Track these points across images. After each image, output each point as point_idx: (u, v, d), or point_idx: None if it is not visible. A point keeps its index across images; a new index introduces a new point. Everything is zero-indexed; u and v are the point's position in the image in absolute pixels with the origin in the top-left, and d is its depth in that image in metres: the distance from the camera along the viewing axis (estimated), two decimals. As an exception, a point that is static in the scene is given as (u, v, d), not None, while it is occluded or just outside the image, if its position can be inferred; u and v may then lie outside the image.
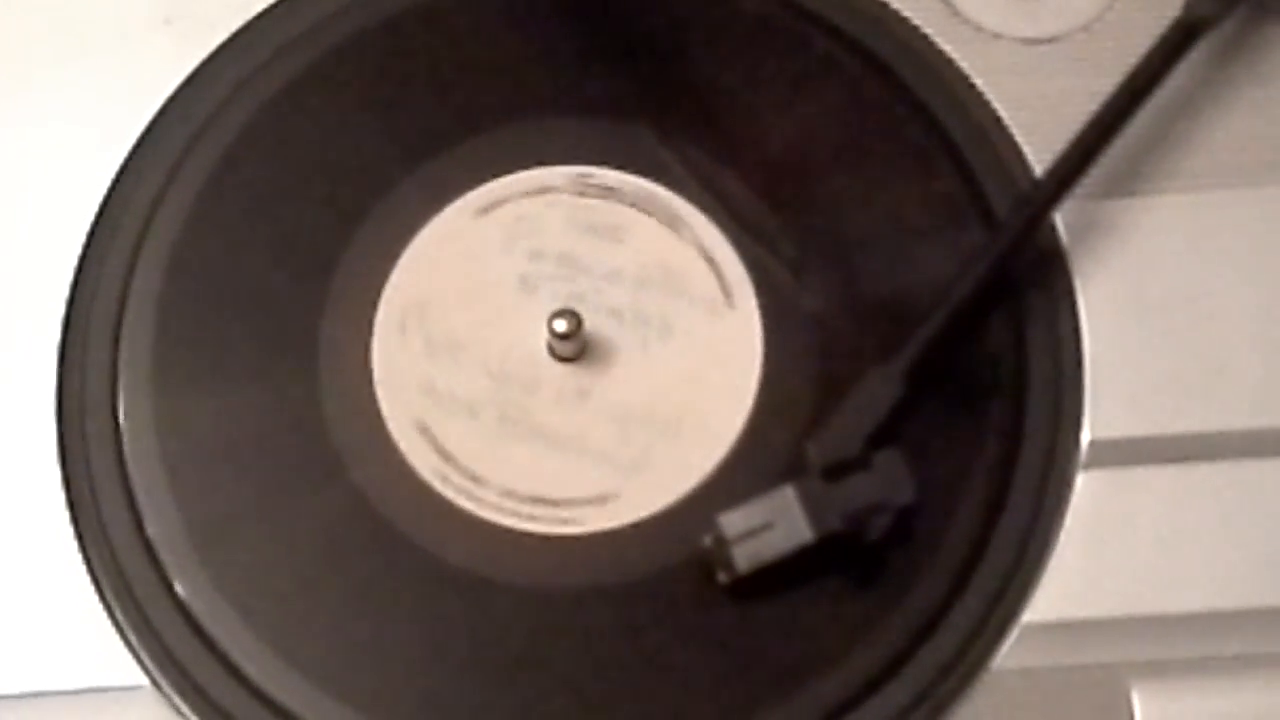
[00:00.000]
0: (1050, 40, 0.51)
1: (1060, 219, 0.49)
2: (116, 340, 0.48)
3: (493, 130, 0.50)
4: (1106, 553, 0.46)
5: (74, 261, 0.49)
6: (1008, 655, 0.45)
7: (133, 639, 0.45)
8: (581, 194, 0.49)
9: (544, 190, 0.50)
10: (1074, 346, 0.48)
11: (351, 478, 0.47)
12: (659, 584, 0.46)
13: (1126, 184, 0.49)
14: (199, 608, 0.45)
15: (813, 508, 0.45)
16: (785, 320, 0.48)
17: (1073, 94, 0.50)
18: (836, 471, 0.45)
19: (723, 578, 0.45)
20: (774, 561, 0.44)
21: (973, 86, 0.50)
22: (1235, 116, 0.50)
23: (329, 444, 0.47)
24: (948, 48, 0.51)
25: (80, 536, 0.46)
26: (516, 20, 0.52)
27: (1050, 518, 0.46)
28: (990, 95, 0.50)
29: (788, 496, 0.45)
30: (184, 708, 0.45)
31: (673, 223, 0.49)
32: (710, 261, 0.49)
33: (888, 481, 0.45)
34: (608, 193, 0.49)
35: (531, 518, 0.46)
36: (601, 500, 0.46)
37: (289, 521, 0.46)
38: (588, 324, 0.47)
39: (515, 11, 0.52)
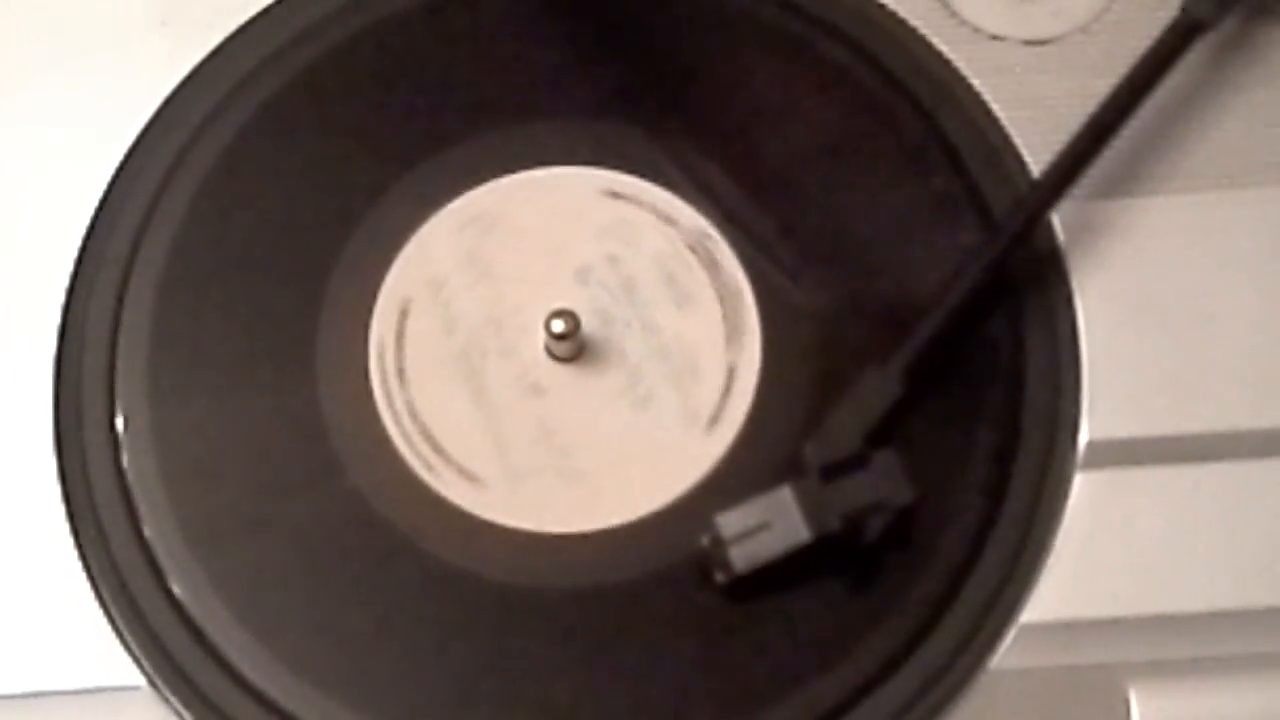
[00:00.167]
0: (1048, 41, 0.51)
1: (1058, 219, 0.49)
2: (113, 343, 0.48)
3: (489, 132, 0.50)
4: (1104, 553, 0.46)
5: (71, 263, 0.49)
6: (1005, 655, 0.45)
7: (130, 639, 0.45)
8: (580, 194, 0.49)
9: (543, 190, 0.50)
10: (1072, 347, 0.48)
11: (349, 479, 0.47)
12: (657, 584, 0.46)
13: (1124, 184, 0.49)
14: (196, 608, 0.45)
15: (810, 508, 0.45)
16: (783, 320, 0.48)
17: (1071, 95, 0.50)
18: (834, 472, 0.45)
19: (720, 578, 0.45)
20: (771, 562, 0.44)
21: (971, 87, 0.51)
22: (1233, 117, 0.50)
23: (326, 445, 0.47)
24: (946, 49, 0.51)
25: (78, 538, 0.46)
26: (514, 21, 0.52)
27: (1048, 518, 0.46)
28: (988, 96, 0.50)
29: (785, 497, 0.45)
30: (181, 708, 0.45)
31: (670, 223, 0.49)
32: (709, 261, 0.49)
33: (885, 482, 0.45)
34: (606, 193, 0.49)
35: (529, 517, 0.46)
36: (600, 500, 0.46)
37: (286, 523, 0.46)
38: (585, 325, 0.47)
39: (514, 13, 0.52)
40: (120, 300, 0.48)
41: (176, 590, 0.46)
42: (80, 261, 0.49)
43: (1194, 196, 0.49)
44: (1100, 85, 0.48)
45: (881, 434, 0.46)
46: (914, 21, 0.51)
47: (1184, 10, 0.49)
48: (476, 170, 0.50)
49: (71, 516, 0.46)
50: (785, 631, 0.45)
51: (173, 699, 0.45)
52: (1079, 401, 0.47)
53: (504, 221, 0.49)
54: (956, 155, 0.50)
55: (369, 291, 0.48)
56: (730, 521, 0.45)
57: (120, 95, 0.50)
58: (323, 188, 0.49)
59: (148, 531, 0.46)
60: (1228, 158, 0.49)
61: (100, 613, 0.46)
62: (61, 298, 0.48)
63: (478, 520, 0.46)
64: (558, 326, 0.46)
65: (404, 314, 0.48)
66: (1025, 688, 0.45)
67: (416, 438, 0.47)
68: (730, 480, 0.46)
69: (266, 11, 0.52)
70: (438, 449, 0.47)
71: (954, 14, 0.51)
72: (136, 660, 0.45)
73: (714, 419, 0.47)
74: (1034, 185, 0.49)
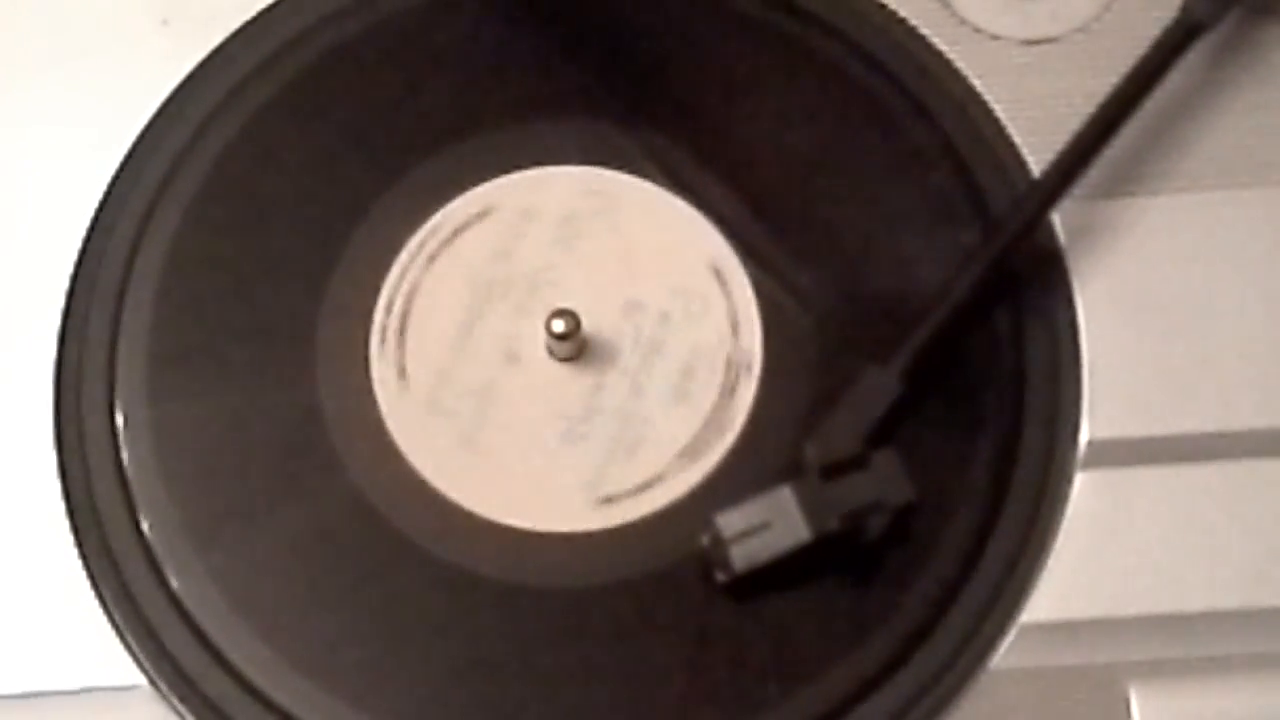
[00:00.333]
0: (1048, 41, 0.51)
1: (1058, 219, 0.49)
2: (114, 340, 0.48)
3: (490, 131, 0.50)
4: (1104, 553, 0.46)
5: (72, 261, 0.49)
6: (1006, 655, 0.45)
7: (130, 639, 0.45)
8: (579, 194, 0.49)
9: (542, 190, 0.50)
10: (1072, 346, 0.48)
11: (350, 476, 0.47)
12: (656, 584, 0.46)
13: (1124, 184, 0.49)
14: (197, 607, 0.45)
15: (810, 507, 0.45)
16: (783, 320, 0.48)
17: (1071, 94, 0.50)
18: (834, 471, 0.45)
19: (720, 577, 0.45)
20: (771, 561, 0.44)
21: (971, 87, 0.51)
22: (1233, 117, 0.50)
23: (327, 443, 0.47)
24: (946, 48, 0.51)
25: (78, 537, 0.46)
26: (515, 22, 0.52)
27: (1048, 518, 0.46)
28: (988, 95, 0.50)
29: (785, 496, 0.45)
30: (181, 707, 0.45)
31: (671, 223, 0.49)
32: (709, 262, 0.49)
33: (885, 481, 0.45)
34: (607, 193, 0.49)
35: (530, 517, 0.46)
36: (600, 500, 0.46)
37: (287, 521, 0.46)
38: (586, 324, 0.47)
39: (514, 13, 0.52)
40: (121, 298, 0.48)
41: (177, 589, 0.46)
42: (81, 259, 0.49)
43: (1194, 196, 0.49)
44: (1100, 85, 0.48)
45: (881, 434, 0.46)
46: (914, 21, 0.51)
47: (1184, 10, 0.49)
48: (478, 169, 0.50)
49: (71, 514, 0.46)
50: (785, 631, 0.45)
51: (173, 698, 0.45)
52: (1079, 401, 0.47)
53: (506, 220, 0.49)
54: (956, 155, 0.50)
55: (370, 288, 0.48)
56: (730, 521, 0.45)
57: (121, 94, 0.50)
58: (324, 185, 0.49)
59: (147, 529, 0.46)
60: (1228, 157, 0.49)
61: (100, 612, 0.46)
62: (62, 296, 0.48)
63: (478, 519, 0.46)
64: (558, 326, 0.47)
65: (405, 312, 0.48)
66: (1025, 687, 0.45)
67: (417, 435, 0.47)
68: (730, 479, 0.46)
69: (267, 11, 0.52)
70: (438, 447, 0.47)
71: (954, 13, 0.51)
72: (136, 659, 0.45)
73: (715, 419, 0.47)
74: (1034, 185, 0.49)
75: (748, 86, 0.51)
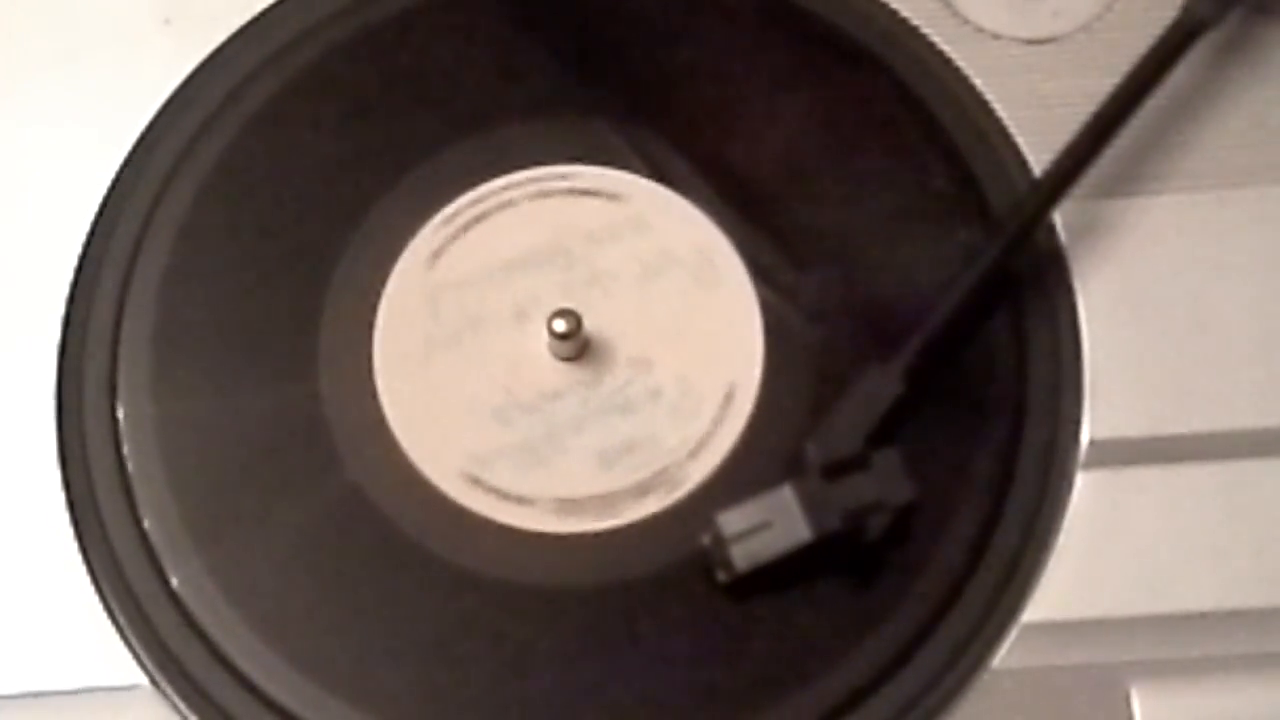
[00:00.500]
0: (1049, 40, 0.51)
1: (1059, 219, 0.49)
2: (116, 339, 0.48)
3: (490, 131, 0.50)
4: (1106, 553, 0.46)
5: (74, 260, 0.49)
6: (1007, 655, 0.45)
7: (132, 638, 0.45)
8: (580, 194, 0.49)
9: (543, 190, 0.50)
10: (1073, 346, 0.48)
11: (350, 475, 0.47)
12: (658, 583, 0.46)
13: (1125, 184, 0.49)
14: (198, 607, 0.45)
15: (811, 507, 0.44)
16: (784, 320, 0.48)
17: (1072, 94, 0.50)
18: (835, 471, 0.45)
19: (721, 577, 0.45)
20: (772, 561, 0.44)
21: (972, 86, 0.51)
22: (1234, 116, 0.50)
23: (328, 441, 0.47)
24: (947, 48, 0.51)
25: (80, 536, 0.46)
26: (515, 22, 0.52)
27: (1049, 517, 0.46)
28: (989, 95, 0.50)
29: (786, 496, 0.45)
30: (183, 707, 0.45)
31: (671, 222, 0.49)
32: (710, 261, 0.49)
33: (886, 481, 0.45)
34: (608, 192, 0.49)
35: (531, 516, 0.46)
36: (601, 499, 0.46)
37: (289, 519, 0.46)
38: (587, 323, 0.47)
39: (514, 13, 0.52)
40: (123, 296, 0.48)
41: (178, 588, 0.46)
42: (83, 258, 0.49)
43: (1195, 196, 0.49)
44: (1102, 84, 0.48)
45: (883, 433, 0.46)
46: (916, 20, 0.51)
47: (1185, 10, 0.49)
48: (479, 168, 0.50)
49: (72, 512, 0.46)
50: (787, 631, 0.45)
51: (174, 697, 0.45)
52: (1080, 400, 0.47)
53: (508, 220, 0.49)
54: (957, 154, 0.50)
55: (373, 287, 0.48)
56: (731, 520, 0.45)
57: (123, 93, 0.50)
58: (326, 184, 0.49)
59: (149, 527, 0.46)
60: (1229, 157, 0.49)
61: (101, 611, 0.46)
62: (65, 294, 0.48)
63: (479, 518, 0.46)
64: (559, 326, 0.47)
65: (407, 309, 0.48)
66: (1027, 687, 0.45)
67: (419, 434, 0.47)
68: (731, 479, 0.46)
69: (269, 11, 0.52)
70: (439, 446, 0.47)
71: (956, 13, 0.51)
72: (137, 658, 0.45)
73: (716, 418, 0.47)
74: (1035, 184, 0.49)
75: (748, 86, 0.51)
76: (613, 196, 0.49)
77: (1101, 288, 0.48)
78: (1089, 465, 0.46)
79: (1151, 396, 0.47)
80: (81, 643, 0.45)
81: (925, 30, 0.51)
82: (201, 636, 0.45)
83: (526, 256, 0.49)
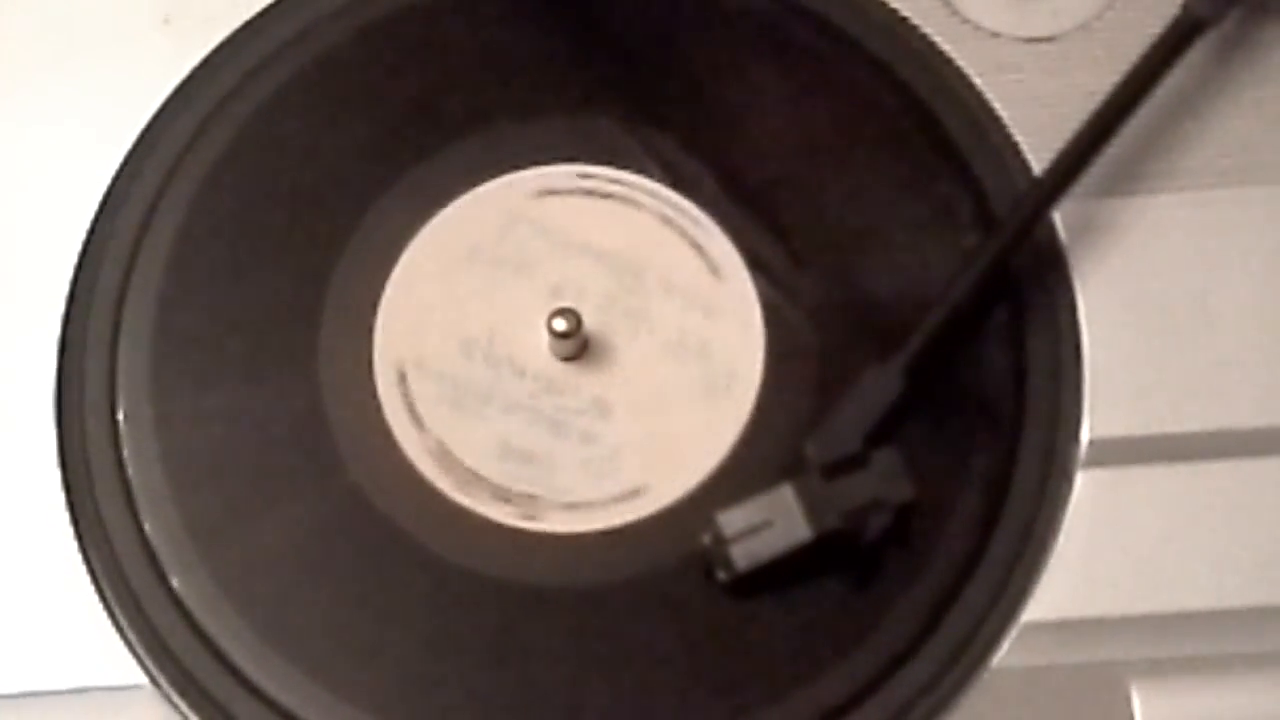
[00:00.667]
0: (1049, 39, 0.51)
1: (1059, 218, 0.49)
2: (116, 339, 0.48)
3: (490, 130, 0.50)
4: (1106, 551, 0.46)
5: (73, 260, 0.49)
6: (1007, 654, 0.45)
7: (132, 638, 0.45)
8: (581, 194, 0.49)
9: (544, 190, 0.50)
10: (1073, 345, 0.48)
11: (351, 475, 0.47)
12: (658, 583, 0.46)
13: (1125, 183, 0.49)
14: (198, 606, 0.45)
15: (811, 506, 0.45)
16: (785, 318, 0.48)
17: (1072, 93, 0.50)
18: (835, 470, 0.45)
19: (721, 576, 0.45)
20: (772, 560, 0.44)
21: (972, 85, 0.51)
22: (1234, 116, 0.50)
23: (329, 441, 0.47)
24: (947, 47, 0.51)
25: (80, 536, 0.46)
26: (515, 20, 0.52)
27: (1050, 516, 0.46)
28: (989, 94, 0.50)
29: (786, 495, 0.45)
30: (183, 706, 0.45)
31: (672, 222, 0.49)
32: (711, 261, 0.49)
33: (886, 480, 0.45)
34: (608, 192, 0.49)
35: (531, 516, 0.46)
36: (602, 499, 0.46)
37: (289, 519, 0.46)
38: (588, 323, 0.47)
39: (514, 12, 0.52)
40: (123, 296, 0.48)
41: (178, 587, 0.46)
42: (83, 257, 0.49)
43: (1196, 194, 0.49)
44: (1102, 83, 0.48)
45: (882, 432, 0.46)
46: (915, 19, 0.51)
47: (1185, 8, 0.49)
48: (479, 168, 0.50)
49: (73, 513, 0.46)
50: (787, 630, 0.45)
51: (175, 697, 0.45)
52: (1080, 399, 0.47)
53: (509, 220, 0.49)
54: (957, 153, 0.50)
55: (374, 286, 0.48)
56: (732, 520, 0.45)
57: (123, 93, 0.50)
58: (326, 184, 0.49)
59: (149, 526, 0.46)
60: (1229, 156, 0.49)
61: (102, 611, 0.46)
62: (64, 295, 0.48)
63: (480, 518, 0.46)
64: (560, 325, 0.47)
65: (409, 308, 0.48)
66: (1027, 686, 0.45)
67: (420, 433, 0.47)
68: (732, 479, 0.46)
69: (268, 10, 0.52)
70: (440, 446, 0.47)
71: (955, 12, 0.51)
72: (138, 658, 0.45)
73: (717, 417, 0.47)
74: (1035, 183, 0.49)
75: (748, 85, 0.51)
76: (613, 196, 0.49)
77: (1101, 286, 0.48)
78: (1089, 464, 0.46)
79: (1151, 395, 0.47)
80: (82, 642, 0.45)
81: (925, 29, 0.51)
82: (202, 636, 0.45)
83: (529, 256, 0.49)
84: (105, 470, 0.47)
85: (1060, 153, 0.48)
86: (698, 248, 0.49)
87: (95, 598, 0.46)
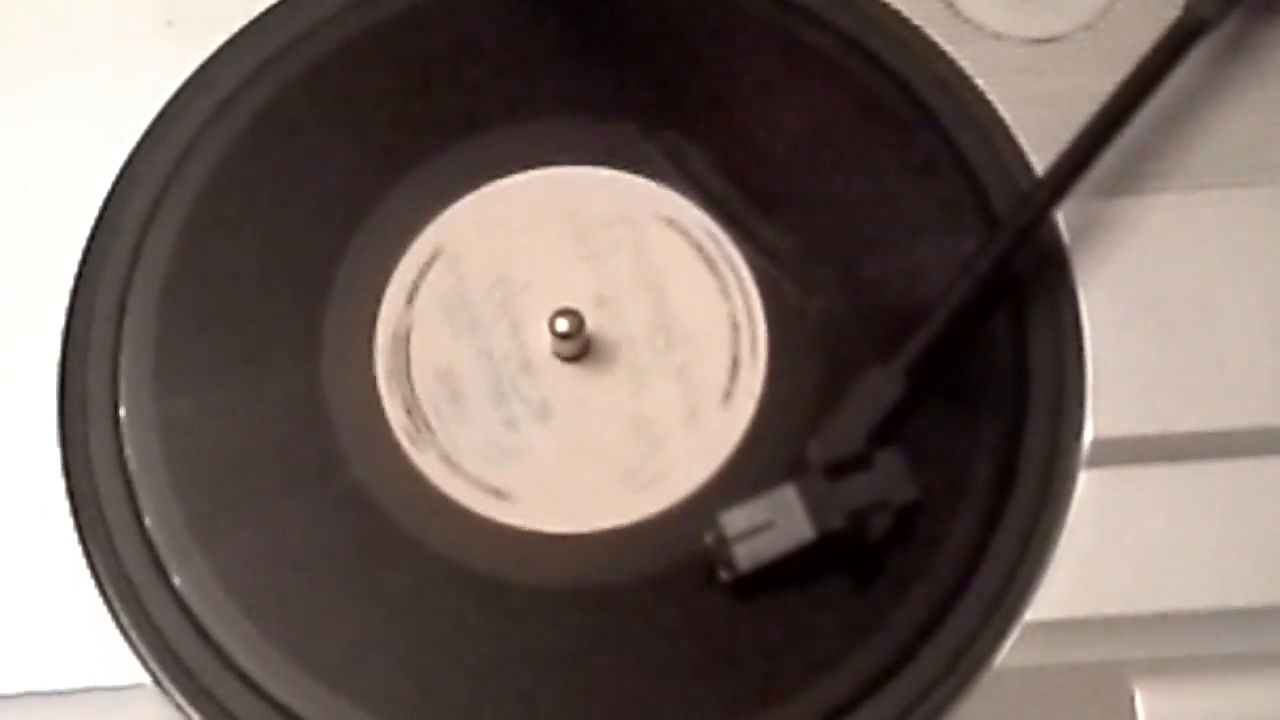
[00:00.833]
0: (1052, 40, 0.51)
1: (1062, 218, 0.49)
2: (118, 338, 0.48)
3: (495, 129, 0.50)
4: (1109, 551, 0.46)
5: (76, 260, 0.49)
6: (1010, 654, 0.45)
7: (134, 637, 0.45)
8: (583, 193, 0.49)
9: (545, 190, 0.50)
10: (1075, 345, 0.48)
11: (353, 474, 0.47)
12: (661, 583, 0.46)
13: (1128, 183, 0.49)
14: (200, 605, 0.45)
15: (814, 506, 0.44)
16: (787, 319, 0.48)
17: (1074, 93, 0.50)
18: (838, 470, 0.45)
19: (724, 576, 0.45)
20: (775, 560, 0.44)
21: (974, 86, 0.51)
22: (1236, 116, 0.50)
23: (330, 440, 0.47)
24: (949, 47, 0.51)
25: (82, 535, 0.46)
26: (517, 19, 0.52)
27: (1052, 516, 0.46)
28: (991, 95, 0.50)
29: (789, 495, 0.45)
30: (185, 705, 0.45)
31: (674, 223, 0.49)
32: (712, 262, 0.49)
33: (889, 480, 0.45)
34: (609, 193, 0.50)
35: (532, 516, 0.46)
36: (603, 499, 0.46)
37: (291, 518, 0.46)
38: (590, 324, 0.47)
39: (516, 11, 0.52)
40: (125, 295, 0.48)
41: (181, 586, 0.46)
42: (85, 258, 0.49)
43: (1198, 194, 0.49)
44: (1104, 83, 0.48)
45: (885, 432, 0.46)
46: (917, 20, 0.51)
47: (1187, 9, 0.49)
48: (481, 168, 0.50)
49: (75, 511, 0.46)
50: (789, 630, 0.45)
51: (177, 696, 0.45)
52: (1083, 399, 0.47)
53: (510, 220, 0.49)
54: (960, 153, 0.50)
55: (376, 285, 0.48)
56: (734, 520, 0.45)
57: (125, 94, 0.50)
58: (327, 184, 0.49)
59: (151, 525, 0.46)
60: (1231, 156, 0.49)
61: (104, 610, 0.46)
62: (66, 293, 0.48)
63: (481, 517, 0.46)
64: (562, 325, 0.46)
65: (410, 308, 0.48)
66: (1030, 686, 0.45)
67: (421, 433, 0.47)
68: (734, 479, 0.46)
69: (270, 12, 0.52)
70: (441, 446, 0.47)
71: (957, 12, 0.51)
72: (140, 657, 0.45)
73: (719, 418, 0.47)
74: (1037, 183, 0.49)
75: (749, 86, 0.51)
76: (615, 197, 0.49)
77: (1104, 286, 0.48)
78: (1092, 464, 0.46)
79: (1154, 395, 0.47)
80: (84, 642, 0.45)
81: (927, 30, 0.51)
82: (204, 635, 0.45)
83: (530, 256, 0.49)
84: (107, 469, 0.47)
85: (1062, 153, 0.48)
86: (697, 248, 0.49)
87: (97, 597, 0.46)
